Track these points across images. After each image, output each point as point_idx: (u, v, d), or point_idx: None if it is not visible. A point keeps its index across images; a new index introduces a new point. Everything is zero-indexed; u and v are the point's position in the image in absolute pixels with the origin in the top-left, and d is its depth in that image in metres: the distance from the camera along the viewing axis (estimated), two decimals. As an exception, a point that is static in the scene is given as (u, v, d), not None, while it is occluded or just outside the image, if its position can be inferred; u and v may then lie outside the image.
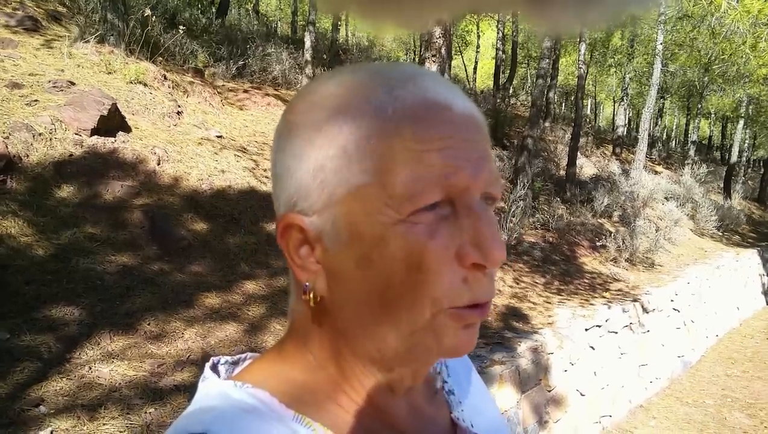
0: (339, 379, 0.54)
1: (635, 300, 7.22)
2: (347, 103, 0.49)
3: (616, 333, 6.53)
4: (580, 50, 14.04)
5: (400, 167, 0.46)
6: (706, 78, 18.47)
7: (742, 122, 20.51)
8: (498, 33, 20.08)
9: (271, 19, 24.37)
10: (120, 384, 3.08)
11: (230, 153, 6.68)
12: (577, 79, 14.28)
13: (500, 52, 19.96)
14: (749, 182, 24.68)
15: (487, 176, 0.49)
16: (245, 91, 9.32)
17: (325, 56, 13.57)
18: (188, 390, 3.23)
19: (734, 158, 20.79)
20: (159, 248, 4.65)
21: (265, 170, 6.83)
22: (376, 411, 0.55)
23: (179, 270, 4.56)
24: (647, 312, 7.27)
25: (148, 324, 3.71)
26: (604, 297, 7.18)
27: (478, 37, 25.40)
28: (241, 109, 8.70)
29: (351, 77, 0.51)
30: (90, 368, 3.16)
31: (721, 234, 14.22)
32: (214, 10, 14.88)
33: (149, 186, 5.24)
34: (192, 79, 8.08)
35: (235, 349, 3.89)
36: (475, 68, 25.29)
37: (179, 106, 6.95)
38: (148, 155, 5.52)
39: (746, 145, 24.44)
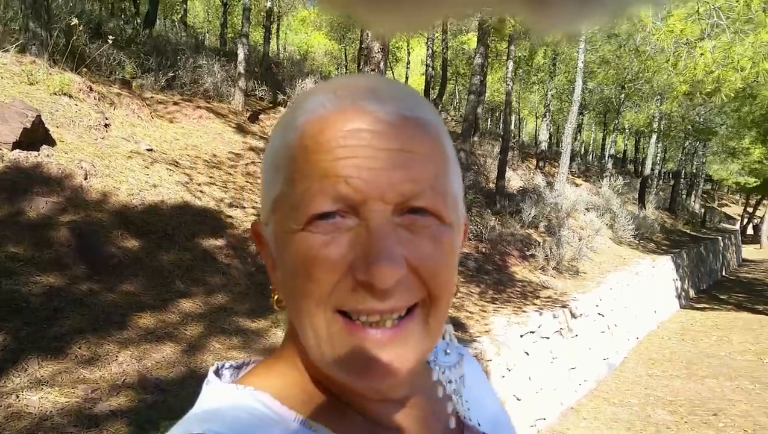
0: (327, 381, 0.54)
1: (564, 307, 7.52)
2: (281, 117, 0.53)
3: (548, 338, 6.78)
4: (507, 67, 14.56)
5: (299, 177, 0.47)
6: (622, 95, 19.53)
7: (654, 136, 21.83)
8: (428, 50, 20.52)
9: (198, 30, 23.89)
10: (51, 412, 2.92)
11: (162, 167, 6.49)
12: (505, 95, 14.78)
13: (430, 69, 20.39)
14: (661, 193, 26.22)
15: (400, 187, 0.46)
16: (175, 104, 9.09)
17: (257, 69, 13.44)
18: (126, 415, 3.11)
19: (647, 171, 22.05)
20: (88, 267, 4.45)
21: (199, 184, 6.67)
22: (377, 413, 0.55)
23: (110, 289, 4.38)
24: (575, 318, 7.59)
25: (79, 348, 3.54)
26: (535, 304, 7.43)
27: (408, 53, 25.85)
28: (172, 122, 8.48)
29: (305, 91, 0.55)
30: (17, 396, 2.98)
31: (637, 242, 15.01)
32: (139, 20, 14.45)
33: (76, 202, 5.02)
34: (119, 91, 7.81)
35: (174, 371, 3.77)
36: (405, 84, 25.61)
37: (106, 119, 6.70)
38: (75, 169, 5.28)
39: (658, 158, 25.98)
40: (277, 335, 4.96)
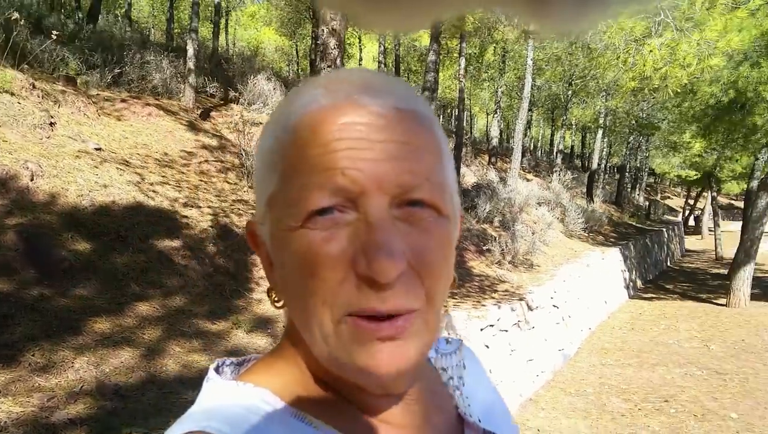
0: (328, 378, 0.53)
1: (521, 299, 7.66)
2: (272, 115, 0.52)
3: (507, 331, 6.90)
4: (460, 64, 14.71)
5: (295, 173, 0.47)
6: (570, 92, 20.02)
7: (600, 132, 22.48)
8: (380, 46, 20.53)
9: (143, 26, 23.22)
10: (6, 422, 2.79)
11: (112, 166, 6.28)
12: (458, 92, 14.93)
13: (382, 65, 20.41)
14: (607, 187, 27.04)
15: (397, 179, 0.45)
16: (123, 101, 8.79)
17: (206, 65, 13.16)
18: (85, 423, 2.99)
19: (594, 165, 22.70)
20: (37, 271, 4.26)
21: (151, 184, 6.49)
22: (377, 409, 0.54)
23: (62, 294, 4.21)
24: (531, 310, 7.75)
25: (33, 355, 3.39)
26: (493, 298, 7.55)
27: (360, 50, 25.82)
28: (120, 120, 8.21)
29: (296, 87, 0.53)
30: (-33, 408, 2.83)
31: (587, 235, 15.43)
32: (80, 15, 13.93)
33: (22, 204, 4.80)
34: (64, 88, 7.51)
35: (133, 376, 3.66)
36: (357, 80, 25.56)
37: (51, 117, 6.43)
38: (20, 170, 5.05)
39: (604, 153, 26.78)
40: (239, 336, 4.88)
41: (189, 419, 0.49)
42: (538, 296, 8.11)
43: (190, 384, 3.87)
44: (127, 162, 6.79)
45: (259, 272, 6.23)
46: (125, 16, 19.49)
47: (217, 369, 0.57)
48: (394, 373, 0.46)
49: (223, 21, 22.54)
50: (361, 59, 26.17)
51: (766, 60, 11.79)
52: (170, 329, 4.46)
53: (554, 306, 8.74)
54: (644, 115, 20.90)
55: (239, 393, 0.52)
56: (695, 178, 22.97)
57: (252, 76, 12.32)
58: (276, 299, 0.55)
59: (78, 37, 10.11)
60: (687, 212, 33.51)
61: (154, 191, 6.40)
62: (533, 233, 11.39)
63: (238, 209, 7.21)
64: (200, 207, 6.72)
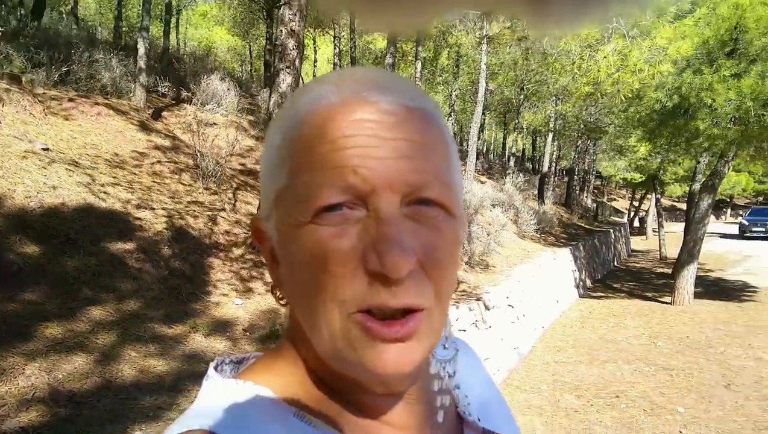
0: (328, 377, 0.53)
1: (478, 299, 7.78)
2: (282, 110, 0.52)
3: (465, 331, 6.98)
4: (416, 67, 14.83)
5: (305, 169, 0.47)
6: (522, 96, 20.44)
7: (551, 136, 23.03)
8: (335, 48, 20.50)
9: (90, 24, 22.50)
10: (-47, 433, 2.67)
11: (61, 167, 6.07)
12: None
13: (338, 67, 20.37)
14: (557, 189, 27.72)
15: (407, 177, 0.45)
16: (71, 100, 8.51)
17: (157, 64, 12.86)
18: (38, 431, 2.88)
19: (545, 168, 23.24)
20: (-17, 275, 4.09)
21: (102, 185, 6.30)
22: (377, 409, 0.54)
23: (10, 298, 4.05)
24: (488, 310, 7.87)
25: (-20, 363, 3.25)
26: (451, 298, 7.62)
27: (315, 51, 25.70)
28: (67, 119, 7.94)
29: (304, 85, 0.54)
30: None
31: (539, 236, 15.78)
32: (22, 11, 13.39)
33: (-35, 205, 4.59)
34: (8, 87, 7.20)
35: (88, 382, 3.55)
36: (312, 82, 25.42)
37: (-5, 116, 6.17)
38: (-38, 170, 4.83)
39: (554, 156, 27.43)
40: (197, 340, 4.79)
41: (189, 417, 0.49)
42: (494, 296, 8.25)
43: (148, 389, 3.78)
44: (76, 162, 6.58)
45: (216, 275, 6.13)
46: (71, 14, 18.85)
47: (216, 368, 0.57)
48: (400, 374, 0.46)
49: (174, 20, 22.07)
50: (315, 60, 26.06)
51: (707, 67, 12.31)
52: (125, 334, 4.34)
53: (510, 305, 8.90)
54: (592, 120, 21.51)
55: (239, 391, 0.52)
56: (640, 180, 23.78)
57: (205, 76, 12.11)
58: (280, 296, 0.55)
59: (22, 34, 9.73)
60: (632, 213, 34.65)
61: (105, 192, 6.22)
62: (488, 234, 11.56)
63: (194, 211, 7.07)
64: (154, 209, 6.56)
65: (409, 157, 0.46)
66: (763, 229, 28.58)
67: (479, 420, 0.64)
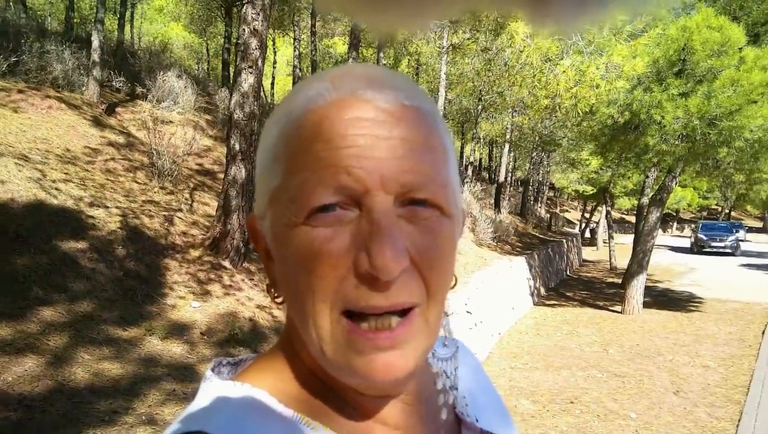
0: (325, 377, 0.52)
1: (437, 306, 7.80)
2: (277, 108, 0.52)
3: (424, 337, 7.00)
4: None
5: (298, 168, 0.46)
6: (480, 107, 20.72)
7: (507, 147, 23.43)
8: (295, 50, 20.35)
9: (39, 13, 21.68)
10: None
11: (9, 161, 5.80)
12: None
13: (297, 69, 20.23)
14: (512, 199, 28.22)
15: (402, 178, 0.45)
16: (20, 92, 8.16)
17: (111, 59, 12.48)
18: (-14, 437, 2.72)
19: (502, 178, 23.62)
20: (-76, 272, 3.85)
21: (54, 181, 6.04)
22: (375, 410, 0.54)
23: (-46, 297, 3.83)
24: (447, 315, 7.85)
25: None
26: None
27: (275, 53, 25.45)
28: (17, 112, 7.61)
29: (301, 81, 0.54)
30: None
31: (495, 244, 15.99)
32: (-32, -3, 12.80)
33: None
34: (-48, 74, 6.86)
35: (39, 385, 3.37)
36: (272, 84, 25.25)
37: (-61, 104, 5.85)
38: None
39: (510, 167, 27.93)
40: (153, 343, 4.63)
41: (187, 419, 0.48)
42: (453, 302, 8.27)
43: (102, 393, 3.63)
44: (26, 157, 6.30)
45: (173, 277, 5.96)
46: (19, 2, 18.11)
47: (214, 369, 0.57)
48: (391, 381, 0.46)
49: (128, 13, 21.49)
50: (275, 62, 25.82)
51: (657, 86, 12.74)
52: (78, 335, 4.16)
53: (468, 312, 8.98)
54: (547, 132, 21.99)
55: (236, 393, 0.51)
56: (591, 193, 24.43)
57: (161, 73, 11.80)
58: (276, 295, 0.54)
59: (-33, 21, 9.29)
60: (583, 225, 35.53)
61: (56, 189, 5.97)
62: (446, 241, 11.64)
63: (149, 210, 6.87)
64: (107, 207, 6.34)
65: (404, 157, 0.45)
66: (723, 245, 28.10)
67: (477, 420, 0.63)
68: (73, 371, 3.68)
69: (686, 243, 34.31)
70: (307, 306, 0.46)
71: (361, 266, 0.43)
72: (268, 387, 0.52)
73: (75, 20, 19.26)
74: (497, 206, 21.47)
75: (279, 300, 0.54)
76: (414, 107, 0.48)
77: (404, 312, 0.46)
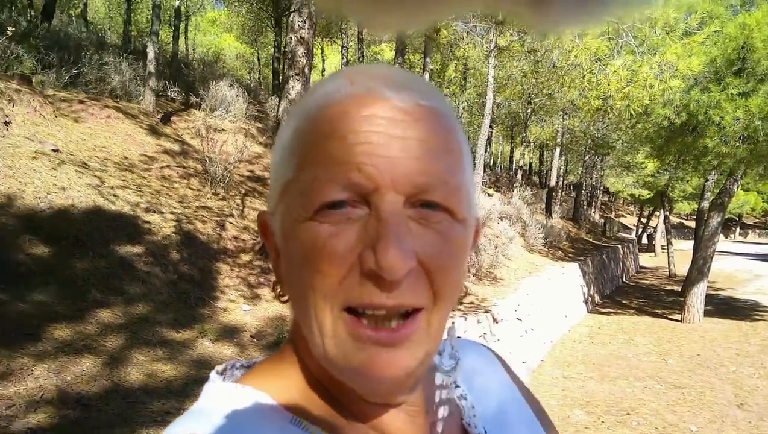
0: (328, 383, 0.52)
1: (486, 312, 7.68)
2: (296, 104, 0.52)
3: (474, 343, 6.89)
4: (424, 78, 14.79)
5: (311, 163, 0.45)
6: (529, 110, 20.43)
7: (558, 150, 22.98)
8: (342, 58, 20.55)
9: (99, 27, 22.64)
10: (-41, 434, 2.59)
11: (70, 168, 6.03)
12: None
13: (345, 77, 20.40)
14: (564, 204, 27.66)
15: (414, 178, 0.44)
16: (81, 102, 8.49)
17: (166, 69, 12.88)
18: (47, 432, 2.80)
19: (553, 182, 23.18)
20: (-8, 275, 4.02)
21: (111, 188, 6.25)
22: (376, 419, 0.53)
23: (20, 299, 3.99)
24: (497, 322, 7.77)
25: (-12, 362, 3.18)
26: (459, 310, 7.54)
27: (323, 60, 25.79)
28: (77, 121, 7.92)
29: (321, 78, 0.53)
30: None
31: (547, 249, 15.69)
32: (33, 13, 13.45)
33: (-24, 204, 4.54)
34: (18, 87, 7.19)
35: (96, 385, 3.47)
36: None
37: (6, 116, 6.15)
38: (-27, 169, 4.79)
39: (561, 170, 27.41)
40: (204, 346, 4.71)
41: (181, 422, 0.48)
42: (502, 309, 8.16)
43: (155, 393, 3.70)
44: (86, 164, 6.54)
45: (224, 280, 6.06)
46: (80, 17, 18.96)
47: (222, 372, 0.57)
48: (391, 380, 0.45)
49: (183, 25, 22.18)
50: (323, 70, 26.14)
51: (715, 85, 12.28)
52: (133, 337, 4.27)
53: (518, 319, 8.80)
54: (600, 135, 21.48)
55: (236, 395, 0.51)
56: (648, 197, 23.70)
57: (214, 82, 12.10)
58: (281, 293, 0.54)
59: (32, 36, 9.73)
60: (640, 230, 34.51)
61: (114, 195, 6.17)
62: (496, 247, 11.48)
63: (202, 216, 7.02)
64: (163, 212, 6.51)
65: (418, 157, 0.44)
66: None
67: (486, 431, 0.60)
68: (128, 371, 3.77)
69: (750, 249, 32.76)
70: (309, 303, 0.45)
71: (367, 264, 0.42)
72: (270, 390, 0.52)
73: (132, 33, 20.02)
74: (548, 211, 21.06)
75: (284, 298, 0.53)
76: (430, 108, 0.47)
77: (407, 315, 0.45)
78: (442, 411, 0.57)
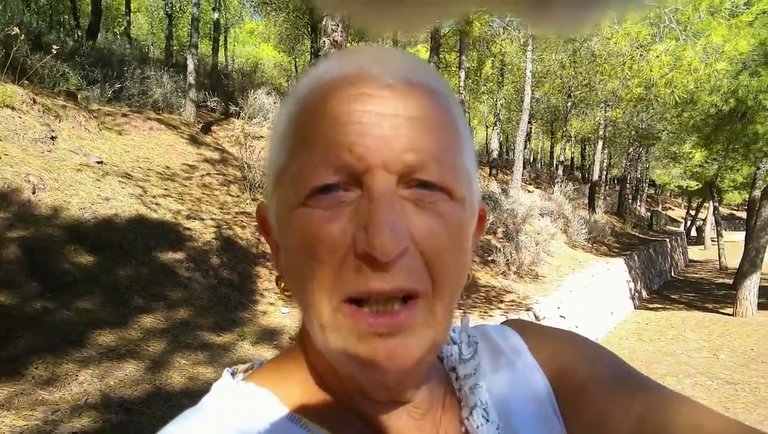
0: (332, 382, 0.51)
1: (528, 310, 7.58)
2: (289, 91, 0.50)
3: (515, 342, 6.82)
4: (460, 77, 14.73)
5: (301, 147, 0.44)
6: (569, 103, 20.06)
7: (601, 143, 22.48)
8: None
9: (143, 43, 23.32)
10: (9, 437, 2.70)
11: (114, 179, 6.22)
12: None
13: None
14: (608, 198, 27.04)
15: (404, 156, 0.42)
16: (124, 115, 8.77)
17: (206, 80, 13.18)
18: (90, 437, 2.90)
19: (595, 176, 22.69)
20: (40, 284, 4.19)
21: (154, 197, 6.43)
22: (378, 420, 0.51)
23: (65, 307, 4.13)
24: (539, 320, 7.65)
25: (36, 368, 3.30)
26: (500, 308, 7.46)
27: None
28: (121, 134, 8.18)
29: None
30: (-31, 423, 2.74)
31: (590, 245, 15.37)
32: (80, 32, 13.98)
33: (24, 217, 4.73)
34: (64, 103, 7.48)
35: (138, 389, 3.57)
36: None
37: (52, 131, 6.39)
38: (22, 183, 4.99)
39: (604, 164, 26.83)
40: (244, 349, 4.79)
41: (176, 421, 0.48)
42: (545, 306, 8.03)
43: (197, 396, 3.75)
44: (129, 175, 6.74)
45: (263, 284, 6.16)
46: (124, 34, 19.57)
47: (234, 372, 0.56)
48: (394, 370, 0.43)
49: (222, 37, 22.66)
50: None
51: (765, 69, 11.81)
52: (175, 341, 4.37)
53: (561, 316, 8.65)
54: (644, 126, 20.92)
55: (239, 392, 0.51)
56: (696, 188, 22.96)
57: (252, 91, 12.32)
58: (284, 288, 0.52)
59: (78, 54, 10.12)
60: (689, 222, 33.47)
61: (156, 204, 6.34)
62: (537, 244, 11.31)
63: (241, 221, 7.15)
64: (203, 219, 6.66)
65: (409, 135, 0.43)
66: None
67: (482, 424, 0.56)
68: (169, 375, 3.87)
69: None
70: (307, 293, 0.44)
71: (359, 245, 0.41)
72: (272, 387, 0.51)
73: (174, 47, 20.55)
74: (591, 206, 20.63)
75: (288, 293, 0.51)
76: (423, 85, 0.45)
77: (407, 300, 0.43)
78: (449, 411, 0.55)
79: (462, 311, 7.03)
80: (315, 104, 0.45)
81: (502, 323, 0.67)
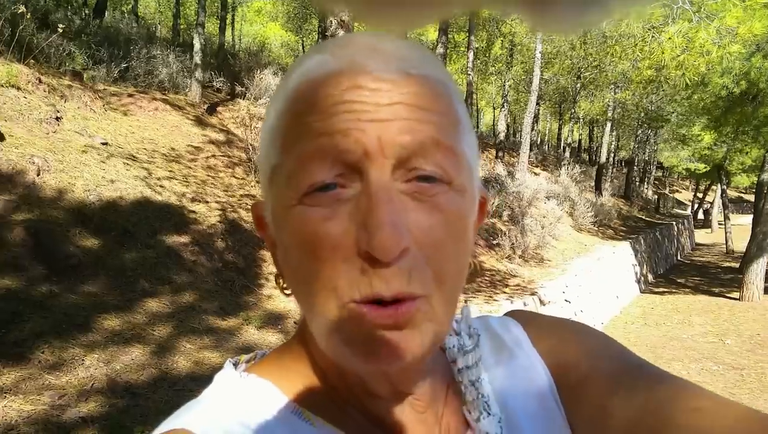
0: (334, 374, 0.50)
1: (533, 294, 7.57)
2: (279, 85, 0.48)
3: (520, 327, 6.83)
4: (468, 58, 14.58)
5: (295, 142, 0.43)
6: (578, 84, 19.86)
7: (609, 125, 22.28)
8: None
9: (150, 22, 23.16)
10: (16, 421, 2.72)
11: (119, 161, 6.21)
12: (465, 86, 14.80)
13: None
14: (615, 181, 26.88)
15: (401, 139, 0.41)
16: (130, 96, 8.74)
17: (213, 60, 13.08)
18: (97, 421, 2.92)
19: (603, 159, 22.53)
20: (45, 267, 4.20)
21: (158, 179, 6.42)
22: (379, 413, 0.51)
23: (71, 290, 4.15)
24: (544, 305, 7.65)
25: (42, 353, 3.33)
26: (505, 292, 7.46)
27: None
28: (126, 115, 8.15)
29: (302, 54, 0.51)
30: (-24, 407, 2.76)
31: (596, 229, 15.31)
32: (87, 11, 13.87)
33: (29, 199, 4.74)
34: (70, 83, 7.45)
35: (144, 374, 3.59)
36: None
37: (58, 112, 6.37)
38: (26, 165, 4.99)
39: (612, 146, 26.61)
40: (250, 333, 4.81)
41: (178, 416, 0.47)
42: (550, 290, 8.02)
43: (203, 381, 3.80)
44: (134, 157, 6.73)
45: (269, 268, 6.16)
46: (132, 13, 19.44)
47: (236, 363, 0.55)
48: (397, 364, 0.42)
49: (229, 16, 22.47)
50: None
51: (778, 51, 11.65)
52: (180, 326, 4.39)
53: (566, 300, 8.65)
54: (653, 108, 20.72)
55: (240, 384, 0.50)
56: (704, 171, 22.78)
57: (258, 71, 12.22)
58: (284, 286, 0.50)
59: (84, 33, 10.04)
60: (696, 205, 33.30)
61: (161, 186, 6.34)
62: (542, 227, 11.27)
63: (246, 204, 7.14)
64: (208, 202, 6.66)
65: (406, 118, 0.41)
66: None
67: (481, 418, 0.55)
68: (175, 360, 3.89)
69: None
70: (310, 294, 0.43)
71: (360, 244, 0.40)
72: (274, 380, 0.51)
73: (181, 26, 20.41)
74: (598, 188, 20.52)
75: (288, 291, 0.50)
76: (422, 76, 0.44)
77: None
78: (451, 405, 0.55)
79: (464, 299, 7.04)
80: (308, 100, 0.43)
81: (505, 314, 0.66)
